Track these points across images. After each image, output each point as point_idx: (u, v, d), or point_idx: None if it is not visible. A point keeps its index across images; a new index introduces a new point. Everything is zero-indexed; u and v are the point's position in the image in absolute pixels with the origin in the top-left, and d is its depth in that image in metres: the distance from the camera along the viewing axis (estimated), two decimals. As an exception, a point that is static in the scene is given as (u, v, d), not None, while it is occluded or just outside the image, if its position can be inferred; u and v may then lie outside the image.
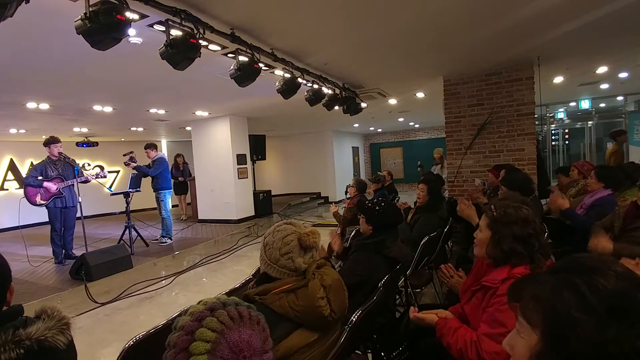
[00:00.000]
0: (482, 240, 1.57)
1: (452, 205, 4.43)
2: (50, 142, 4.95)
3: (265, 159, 9.98)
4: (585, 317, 0.56)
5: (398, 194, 6.38)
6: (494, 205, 1.62)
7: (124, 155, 5.94)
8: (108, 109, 6.01)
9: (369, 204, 2.33)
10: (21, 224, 5.32)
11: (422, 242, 2.88)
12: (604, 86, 6.95)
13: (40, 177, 4.86)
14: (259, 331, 0.80)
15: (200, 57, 2.79)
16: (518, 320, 0.66)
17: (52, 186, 4.88)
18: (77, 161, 5.21)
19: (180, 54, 2.66)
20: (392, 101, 7.09)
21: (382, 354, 2.03)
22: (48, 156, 4.98)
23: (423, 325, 1.62)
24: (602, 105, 9.07)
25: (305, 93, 4.64)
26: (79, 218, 5.06)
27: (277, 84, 4.00)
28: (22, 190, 4.97)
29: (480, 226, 1.61)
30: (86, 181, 5.20)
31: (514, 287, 0.72)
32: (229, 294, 1.99)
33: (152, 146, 6.11)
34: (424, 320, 1.60)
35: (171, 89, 5.08)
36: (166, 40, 2.64)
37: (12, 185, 9.18)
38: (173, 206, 11.33)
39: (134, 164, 5.81)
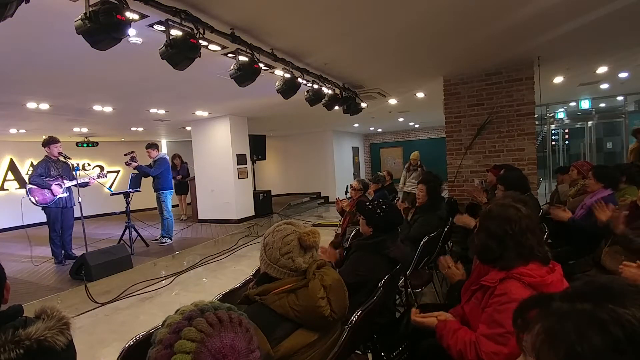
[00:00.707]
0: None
1: (451, 205, 4.44)
2: (50, 142, 4.92)
3: (265, 159, 9.98)
4: None
5: (398, 194, 6.38)
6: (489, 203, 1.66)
7: (125, 155, 5.93)
8: (108, 109, 6.01)
9: (370, 206, 2.32)
10: (26, 223, 5.28)
11: (422, 242, 2.88)
12: (604, 86, 6.95)
13: (46, 179, 4.84)
14: (241, 333, 0.77)
15: (200, 57, 2.79)
16: (526, 358, 0.56)
17: (57, 189, 4.88)
18: (77, 161, 5.20)
19: (180, 54, 2.66)
20: (392, 101, 7.09)
21: (382, 354, 2.03)
22: (47, 156, 4.94)
23: (423, 328, 1.62)
24: (602, 105, 9.07)
25: (305, 93, 4.64)
26: (78, 218, 5.06)
27: (277, 84, 4.00)
28: (22, 191, 4.95)
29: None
30: (87, 184, 5.18)
31: (520, 313, 0.61)
32: (229, 294, 2.00)
33: (154, 146, 6.10)
34: (424, 324, 1.60)
35: (171, 89, 5.08)
36: (166, 40, 2.64)
37: (12, 185, 9.16)
38: (173, 206, 11.36)
39: (135, 164, 5.80)
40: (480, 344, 1.34)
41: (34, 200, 4.81)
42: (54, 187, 4.84)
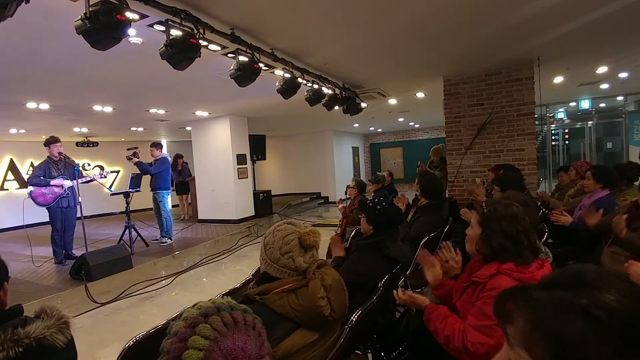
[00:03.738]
0: (473, 237, 1.61)
1: (451, 205, 4.43)
2: (51, 142, 4.94)
3: (265, 159, 9.98)
4: (603, 346, 0.47)
5: (398, 194, 6.37)
6: (486, 203, 1.65)
7: (128, 149, 5.94)
8: (108, 109, 6.01)
9: (370, 204, 2.33)
10: (26, 224, 5.30)
11: (422, 242, 2.87)
12: (604, 86, 6.95)
13: (42, 178, 4.84)
14: (254, 336, 0.78)
15: (200, 57, 2.79)
16: (513, 350, 0.55)
17: (57, 188, 4.88)
18: (77, 161, 5.21)
19: (180, 54, 2.66)
20: (392, 101, 7.09)
21: (382, 354, 2.03)
22: (49, 156, 4.96)
23: (412, 307, 1.69)
24: (602, 105, 9.07)
25: (305, 93, 4.64)
26: (78, 218, 5.06)
27: (277, 84, 4.00)
28: (22, 191, 4.96)
29: (471, 223, 1.65)
30: (90, 180, 5.21)
31: (501, 306, 0.60)
32: (229, 294, 2.00)
33: (158, 145, 6.13)
34: (415, 301, 1.65)
35: (171, 89, 5.08)
36: (166, 40, 2.64)
37: (12, 186, 9.17)
38: (173, 206, 11.34)
39: (136, 159, 5.80)
40: (467, 333, 1.39)
41: (35, 202, 4.82)
42: (54, 186, 4.84)
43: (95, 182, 5.39)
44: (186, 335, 0.74)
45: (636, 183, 3.38)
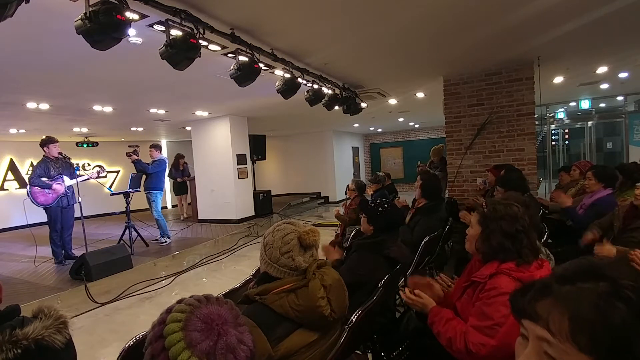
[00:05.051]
0: (473, 236, 1.62)
1: (451, 206, 4.43)
2: (49, 142, 4.91)
3: (265, 159, 9.98)
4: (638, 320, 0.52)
5: (398, 193, 6.36)
6: (486, 203, 1.66)
7: (129, 146, 5.98)
8: (108, 109, 6.01)
9: (372, 204, 2.33)
10: (25, 224, 5.30)
11: (422, 242, 2.87)
12: (604, 86, 6.94)
13: (45, 179, 4.82)
14: (227, 308, 0.85)
15: (200, 57, 2.79)
16: (551, 344, 0.56)
17: (59, 187, 4.88)
18: (77, 161, 5.21)
19: (180, 54, 2.66)
20: (392, 101, 7.09)
21: (382, 354, 2.03)
22: (45, 156, 4.92)
23: (416, 309, 1.67)
24: (602, 105, 9.07)
25: (305, 93, 4.63)
26: (78, 218, 5.06)
27: (277, 84, 4.00)
28: (22, 191, 4.96)
29: (471, 222, 1.66)
30: (87, 179, 5.23)
31: (522, 304, 0.61)
32: (229, 294, 2.00)
33: (157, 147, 6.19)
34: (423, 301, 1.63)
35: (171, 89, 5.07)
36: (166, 40, 2.64)
37: (12, 186, 9.16)
38: (173, 206, 11.34)
39: (135, 157, 5.83)
40: (469, 334, 1.39)
41: (35, 202, 4.81)
42: (56, 186, 4.85)
43: (95, 182, 5.39)
44: (164, 318, 0.80)
45: (638, 184, 3.38)
